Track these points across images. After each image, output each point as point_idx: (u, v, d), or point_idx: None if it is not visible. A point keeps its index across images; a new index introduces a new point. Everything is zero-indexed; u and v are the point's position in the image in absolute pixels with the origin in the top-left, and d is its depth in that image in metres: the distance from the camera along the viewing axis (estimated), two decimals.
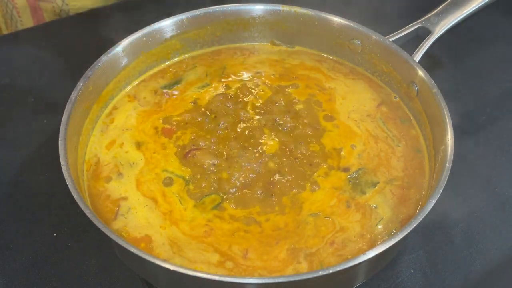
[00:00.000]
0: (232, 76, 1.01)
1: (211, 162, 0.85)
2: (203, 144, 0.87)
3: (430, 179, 0.84)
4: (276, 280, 0.64)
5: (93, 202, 0.81)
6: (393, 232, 0.77)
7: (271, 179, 0.83)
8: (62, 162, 0.76)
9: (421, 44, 0.94)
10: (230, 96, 0.96)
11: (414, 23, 0.97)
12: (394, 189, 0.83)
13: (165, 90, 0.98)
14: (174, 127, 0.91)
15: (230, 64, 1.03)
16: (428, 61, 0.94)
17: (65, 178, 0.74)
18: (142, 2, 1.32)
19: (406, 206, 0.81)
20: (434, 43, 0.94)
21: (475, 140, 1.03)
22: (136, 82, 1.00)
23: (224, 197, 0.81)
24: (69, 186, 0.73)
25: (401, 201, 0.81)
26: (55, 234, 0.89)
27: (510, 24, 1.30)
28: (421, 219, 0.69)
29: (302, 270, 0.73)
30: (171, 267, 0.65)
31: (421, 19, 0.97)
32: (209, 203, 0.80)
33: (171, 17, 0.99)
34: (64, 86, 0.93)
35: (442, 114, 0.82)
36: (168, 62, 1.03)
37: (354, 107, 0.95)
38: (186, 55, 1.05)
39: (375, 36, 0.97)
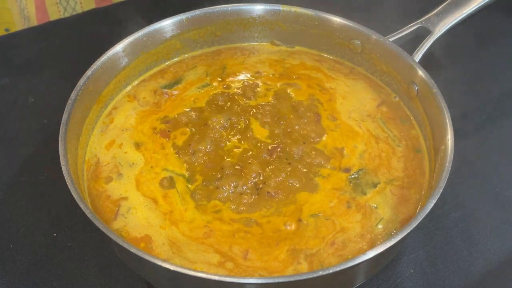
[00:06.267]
0: (232, 76, 1.01)
1: (208, 160, 0.85)
2: (201, 146, 0.87)
3: (430, 179, 0.84)
4: (276, 280, 0.64)
5: (93, 202, 0.81)
6: (393, 232, 0.77)
7: (272, 180, 0.82)
8: (62, 162, 0.76)
9: (421, 44, 0.94)
10: (230, 96, 0.96)
11: (414, 23, 0.97)
12: (394, 189, 0.83)
13: (165, 90, 0.98)
14: (173, 127, 0.91)
15: (230, 64, 1.03)
16: (428, 61, 0.94)
17: (65, 178, 0.74)
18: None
19: (406, 206, 0.81)
20: (434, 43, 0.94)
21: (475, 140, 1.03)
22: (136, 82, 1.00)
23: (225, 205, 0.80)
24: (69, 186, 0.73)
25: (401, 201, 0.81)
26: (55, 234, 0.89)
27: (511, 24, 1.30)
28: (421, 219, 0.69)
29: (302, 270, 0.73)
30: (171, 267, 0.65)
31: (421, 19, 0.97)
32: (211, 207, 0.80)
33: (171, 17, 0.99)
34: (64, 86, 0.93)
35: (442, 114, 0.82)
36: (168, 62, 1.03)
37: (354, 107, 0.95)
38: (186, 55, 1.05)
39: (375, 36, 0.97)
